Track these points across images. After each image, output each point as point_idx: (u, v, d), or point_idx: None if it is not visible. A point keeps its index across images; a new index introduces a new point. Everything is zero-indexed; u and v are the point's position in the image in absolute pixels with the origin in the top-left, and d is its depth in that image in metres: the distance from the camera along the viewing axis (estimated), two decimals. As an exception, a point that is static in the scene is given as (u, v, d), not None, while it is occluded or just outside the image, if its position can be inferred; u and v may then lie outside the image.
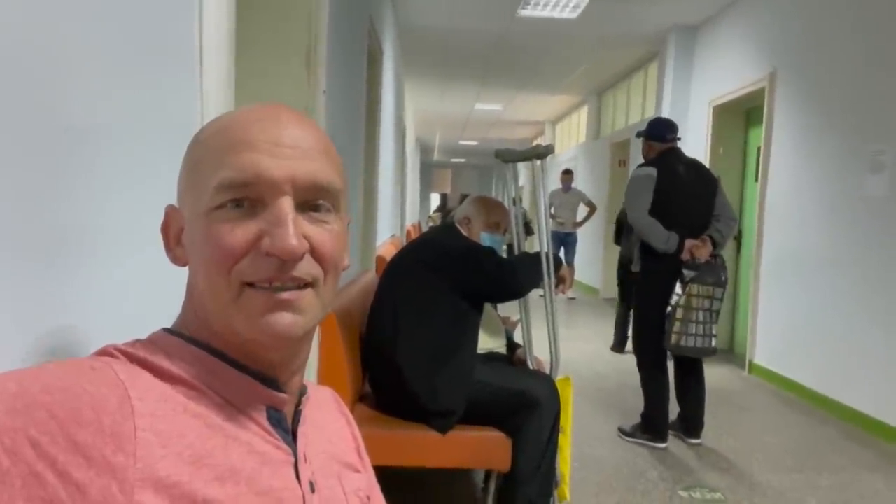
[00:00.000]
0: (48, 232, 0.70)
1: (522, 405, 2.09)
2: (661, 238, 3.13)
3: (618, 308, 5.59)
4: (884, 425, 3.53)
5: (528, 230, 9.29)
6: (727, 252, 4.14)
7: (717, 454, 3.21)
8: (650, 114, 7.37)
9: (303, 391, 0.68)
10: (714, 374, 4.70)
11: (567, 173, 8.66)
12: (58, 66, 0.70)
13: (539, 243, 2.43)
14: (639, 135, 3.47)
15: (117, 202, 0.85)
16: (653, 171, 3.19)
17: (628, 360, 4.95)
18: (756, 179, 5.24)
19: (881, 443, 3.47)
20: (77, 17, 0.74)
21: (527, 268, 2.28)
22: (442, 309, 2.14)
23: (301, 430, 0.64)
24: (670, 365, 3.31)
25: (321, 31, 2.19)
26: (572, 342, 5.87)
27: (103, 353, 0.57)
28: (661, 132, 3.33)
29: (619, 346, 5.51)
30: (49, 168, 0.69)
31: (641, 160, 3.41)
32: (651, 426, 3.28)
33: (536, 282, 2.32)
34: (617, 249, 5.64)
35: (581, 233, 8.77)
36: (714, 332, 3.19)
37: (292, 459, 0.61)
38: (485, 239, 2.39)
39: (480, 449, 2.11)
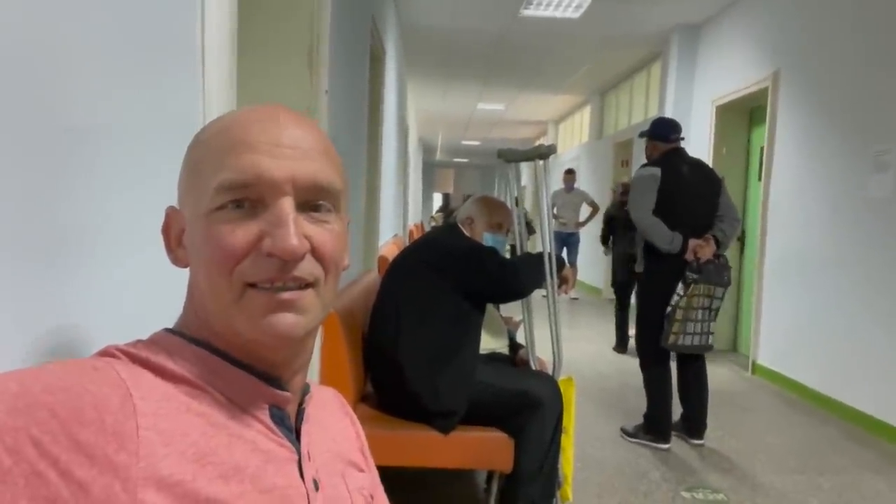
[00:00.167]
0: (48, 232, 0.70)
1: (525, 405, 2.08)
2: (666, 238, 3.12)
3: (616, 310, 5.59)
4: (886, 426, 3.53)
5: (530, 230, 9.29)
6: (730, 252, 4.13)
7: (720, 455, 3.21)
8: (653, 114, 7.36)
9: (306, 390, 0.68)
10: (717, 375, 4.69)
11: (570, 173, 8.65)
12: (58, 66, 0.70)
13: (542, 243, 2.43)
14: (642, 135, 3.46)
15: (117, 202, 0.85)
16: (657, 171, 3.18)
17: (631, 361, 4.95)
18: (759, 179, 5.23)
19: (883, 443, 3.46)
20: (77, 16, 0.74)
21: (529, 268, 2.28)
22: (444, 309, 2.14)
23: (304, 429, 0.65)
24: (673, 366, 3.31)
25: (323, 31, 2.18)
26: (575, 342, 5.86)
27: (105, 353, 0.57)
28: (664, 132, 3.32)
29: (621, 347, 5.51)
30: (49, 168, 0.69)
31: (644, 160, 3.40)
32: (654, 427, 3.27)
33: (539, 282, 2.31)
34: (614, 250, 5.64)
35: (583, 233, 8.76)
36: (712, 329, 3.19)
37: (296, 457, 0.61)
38: (487, 239, 2.38)
39: (483, 449, 2.11)
